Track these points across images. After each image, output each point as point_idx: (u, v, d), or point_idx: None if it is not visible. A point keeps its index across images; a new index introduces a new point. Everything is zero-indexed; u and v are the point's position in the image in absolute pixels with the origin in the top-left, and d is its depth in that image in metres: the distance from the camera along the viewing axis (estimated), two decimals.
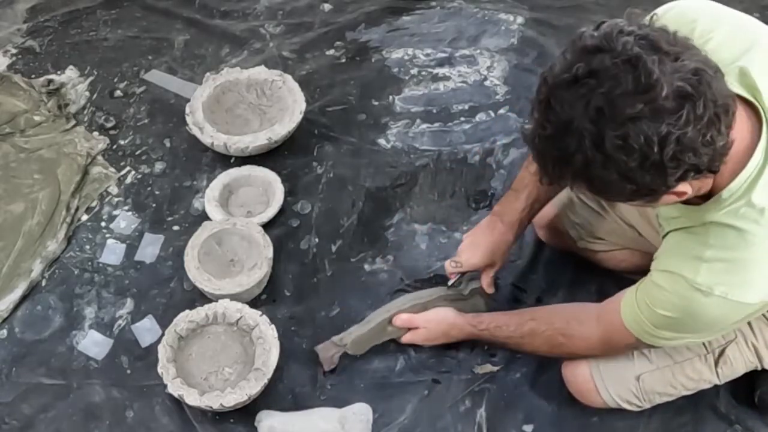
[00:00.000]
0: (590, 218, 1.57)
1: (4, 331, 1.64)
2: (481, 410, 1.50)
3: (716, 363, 1.36)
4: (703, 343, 1.35)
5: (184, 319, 1.54)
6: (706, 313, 1.12)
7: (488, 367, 1.55)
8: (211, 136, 1.85)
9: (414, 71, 2.13)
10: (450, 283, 1.58)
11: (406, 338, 1.54)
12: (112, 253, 1.76)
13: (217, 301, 1.57)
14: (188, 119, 1.89)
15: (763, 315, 1.33)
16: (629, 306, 1.22)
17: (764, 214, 1.06)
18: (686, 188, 1.01)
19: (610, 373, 1.38)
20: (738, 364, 1.36)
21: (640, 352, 1.37)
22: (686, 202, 1.10)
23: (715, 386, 1.48)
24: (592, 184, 1.01)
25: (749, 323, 1.33)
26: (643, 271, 1.47)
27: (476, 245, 1.53)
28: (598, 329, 1.31)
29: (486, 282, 1.55)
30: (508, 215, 1.49)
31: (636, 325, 1.22)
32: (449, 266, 1.55)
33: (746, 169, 1.05)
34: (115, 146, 1.97)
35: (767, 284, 1.10)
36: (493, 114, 2.02)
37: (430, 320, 1.53)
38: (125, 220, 1.82)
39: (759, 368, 1.38)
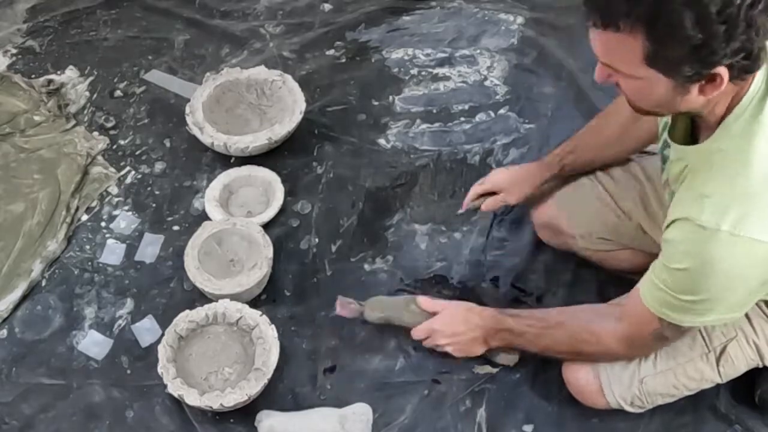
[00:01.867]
0: (592, 216, 1.56)
1: (4, 331, 1.64)
2: (481, 410, 1.50)
3: (717, 361, 1.35)
4: (704, 342, 1.35)
5: (184, 319, 1.54)
6: (720, 256, 1.07)
7: (488, 368, 1.55)
8: (211, 136, 1.85)
9: (414, 71, 2.13)
10: (464, 206, 1.64)
11: (421, 328, 1.48)
12: (112, 253, 1.76)
13: (217, 301, 1.57)
14: (188, 119, 1.89)
15: (763, 312, 1.33)
16: (647, 283, 1.21)
17: None
18: (724, 74, 0.98)
19: (616, 374, 1.38)
20: (739, 362, 1.36)
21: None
22: (694, 138, 1.12)
23: (716, 386, 1.49)
24: (655, 28, 0.96)
25: (749, 320, 1.33)
26: (643, 271, 1.48)
27: (506, 169, 1.63)
28: (622, 323, 1.29)
29: (491, 203, 1.60)
30: (549, 156, 1.60)
31: (656, 300, 1.19)
32: (474, 188, 1.63)
33: (749, 92, 1.05)
34: (115, 146, 1.97)
35: None
36: (493, 114, 2.02)
37: (451, 304, 1.49)
38: (125, 220, 1.82)
39: (760, 365, 1.38)
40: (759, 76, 1.06)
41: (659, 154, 1.31)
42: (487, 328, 1.44)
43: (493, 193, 1.62)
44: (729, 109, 1.07)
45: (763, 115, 1.05)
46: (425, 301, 1.49)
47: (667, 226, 1.14)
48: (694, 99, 1.04)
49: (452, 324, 1.45)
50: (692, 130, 1.18)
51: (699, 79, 1.00)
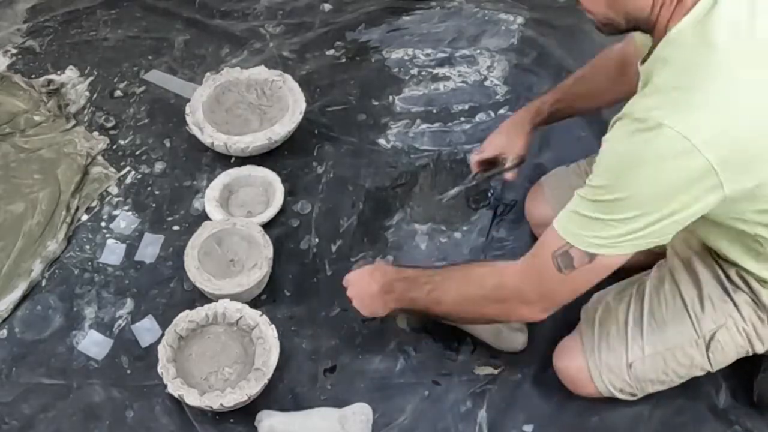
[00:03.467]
0: None
1: (4, 331, 1.64)
2: (481, 411, 1.50)
3: (707, 348, 1.35)
4: (694, 328, 1.34)
5: (184, 319, 1.54)
6: (644, 149, 1.04)
7: (488, 369, 1.55)
8: (211, 136, 1.85)
9: (414, 71, 2.14)
10: (471, 176, 1.68)
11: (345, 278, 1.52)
12: (112, 253, 1.76)
13: (217, 301, 1.57)
14: (188, 119, 1.89)
15: (752, 299, 1.33)
16: (562, 211, 1.18)
17: (715, 48, 1.03)
18: None
19: (604, 361, 1.39)
20: (729, 349, 1.36)
21: (633, 337, 1.37)
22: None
23: (715, 386, 1.49)
24: None
25: (737, 307, 1.33)
26: (639, 268, 1.48)
27: (497, 130, 1.66)
28: (526, 255, 1.24)
29: (508, 173, 1.62)
30: (533, 103, 1.62)
31: (565, 219, 1.15)
32: (473, 155, 1.66)
33: (698, 6, 1.06)
34: (115, 146, 1.97)
35: (714, 126, 1.02)
36: (493, 114, 2.03)
37: (354, 271, 1.52)
38: (125, 220, 1.82)
39: (750, 353, 1.38)
40: None
41: None
42: (386, 280, 1.42)
43: (494, 161, 1.65)
44: (676, 21, 1.08)
45: (708, 26, 1.05)
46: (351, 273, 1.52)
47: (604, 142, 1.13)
48: None
49: (359, 277, 1.48)
50: None
51: None
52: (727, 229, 1.24)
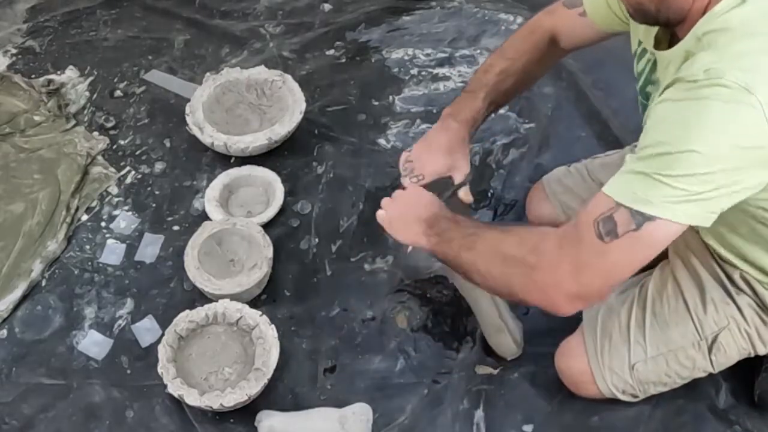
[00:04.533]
0: (571, 197, 1.57)
1: (4, 331, 1.64)
2: (480, 410, 1.50)
3: (710, 350, 1.35)
4: (696, 330, 1.35)
5: (184, 319, 1.54)
6: (707, 103, 0.98)
7: (488, 369, 1.55)
8: (211, 136, 1.85)
9: (414, 71, 2.14)
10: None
11: (384, 199, 1.42)
12: (112, 253, 1.76)
13: (217, 301, 1.57)
14: (188, 119, 1.89)
15: (754, 302, 1.33)
16: (612, 177, 1.08)
17: None
18: None
19: (607, 362, 1.38)
20: (731, 351, 1.36)
21: (635, 339, 1.36)
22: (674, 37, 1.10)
23: (715, 386, 1.49)
24: None
25: (740, 310, 1.33)
26: (641, 269, 1.48)
27: (430, 147, 1.47)
28: (567, 222, 1.12)
29: (461, 192, 1.48)
30: (463, 113, 1.47)
31: (619, 179, 1.05)
32: (403, 170, 1.48)
33: None
34: (115, 146, 1.97)
35: None
36: (492, 114, 2.02)
37: (403, 190, 1.42)
38: (125, 220, 1.82)
39: (752, 355, 1.38)
40: None
41: (640, 98, 1.31)
42: (436, 209, 1.33)
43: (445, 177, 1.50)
44: (708, 10, 1.06)
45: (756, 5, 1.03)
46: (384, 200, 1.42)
47: (659, 104, 1.06)
48: None
49: (409, 194, 1.40)
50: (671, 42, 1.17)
51: None
52: (749, 228, 1.23)
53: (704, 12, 1.07)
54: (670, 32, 1.20)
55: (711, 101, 0.98)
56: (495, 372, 1.55)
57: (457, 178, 1.48)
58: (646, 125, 1.07)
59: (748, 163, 1.00)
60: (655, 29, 1.23)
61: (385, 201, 1.42)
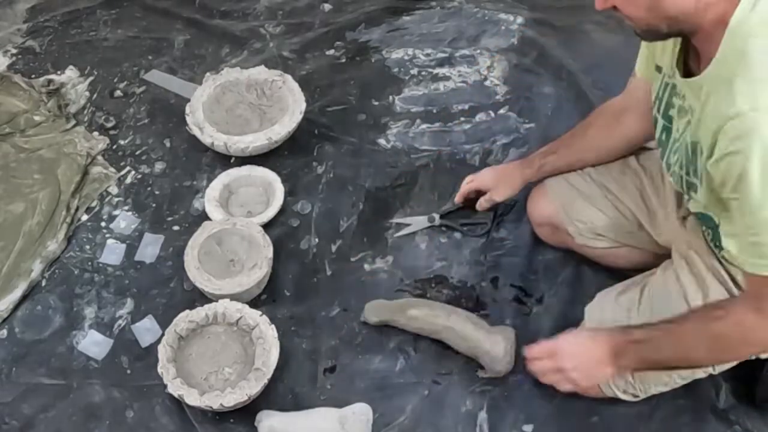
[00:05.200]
0: (589, 212, 1.57)
1: (4, 331, 1.64)
2: (481, 411, 1.50)
3: None
4: None
5: (184, 319, 1.54)
6: None
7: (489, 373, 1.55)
8: (211, 136, 1.85)
9: (414, 71, 2.14)
10: (452, 203, 1.76)
11: (542, 346, 1.37)
12: (112, 253, 1.76)
13: (217, 301, 1.57)
14: (188, 119, 1.89)
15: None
16: (736, 251, 1.14)
17: None
18: None
19: None
20: None
21: None
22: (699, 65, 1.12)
23: (716, 386, 1.49)
24: None
25: None
26: (641, 268, 1.48)
27: (492, 168, 1.71)
28: (744, 294, 1.21)
29: (483, 203, 1.67)
30: (529, 157, 1.67)
31: (752, 254, 1.11)
32: (464, 184, 1.70)
33: None
34: (115, 146, 1.97)
35: None
36: (493, 114, 2.02)
37: (564, 338, 1.35)
38: (125, 220, 1.82)
39: (753, 357, 1.37)
40: None
41: (659, 132, 1.31)
42: (616, 341, 1.29)
43: (480, 192, 1.69)
44: (725, 20, 1.06)
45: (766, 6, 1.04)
46: (533, 350, 1.37)
47: (709, 156, 1.08)
48: None
49: (577, 342, 1.33)
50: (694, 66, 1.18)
51: None
52: None
53: (722, 21, 1.07)
54: (692, 52, 1.18)
55: None
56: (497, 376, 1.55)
57: (495, 198, 1.67)
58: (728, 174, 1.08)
59: None
60: (672, 53, 1.23)
61: (552, 355, 1.35)
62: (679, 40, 1.21)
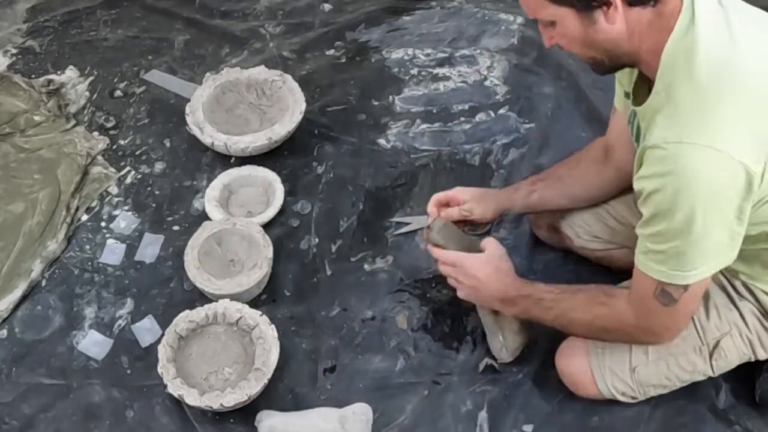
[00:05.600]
0: (588, 217, 1.57)
1: (4, 331, 1.64)
2: (481, 411, 1.50)
3: (711, 355, 1.36)
4: (698, 335, 1.35)
5: (184, 319, 1.54)
6: (689, 167, 1.06)
7: (492, 362, 1.55)
8: (211, 136, 1.85)
9: (414, 71, 2.14)
10: (428, 221, 1.52)
11: (451, 256, 1.44)
12: (112, 253, 1.76)
13: (217, 301, 1.57)
14: (188, 119, 1.89)
15: (756, 308, 1.34)
16: (638, 248, 1.20)
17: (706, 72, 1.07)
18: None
19: (608, 364, 1.39)
20: (732, 356, 1.37)
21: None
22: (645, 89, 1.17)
23: (715, 386, 1.49)
24: None
25: (742, 316, 1.34)
26: None
27: (471, 188, 1.58)
28: (630, 290, 1.27)
29: (451, 212, 1.53)
30: (517, 183, 1.62)
31: (646, 259, 1.18)
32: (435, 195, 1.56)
33: (678, 22, 1.09)
34: (115, 146, 1.97)
35: (741, 133, 1.06)
36: (493, 114, 2.02)
37: (496, 253, 1.43)
38: (125, 220, 1.82)
39: (752, 360, 1.38)
40: (685, 4, 1.10)
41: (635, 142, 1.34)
42: (508, 291, 1.39)
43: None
44: (659, 50, 1.11)
45: (695, 36, 1.09)
46: (445, 254, 1.44)
47: (637, 171, 1.15)
48: (608, 30, 1.11)
49: (481, 269, 1.41)
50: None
51: (596, 5, 1.09)
52: (746, 251, 1.25)
53: (656, 52, 1.11)
54: (645, 84, 1.23)
55: (685, 166, 1.07)
56: (496, 365, 1.54)
57: (471, 211, 1.55)
58: (638, 196, 1.16)
59: (737, 205, 1.10)
60: (630, 82, 1.29)
61: (455, 271, 1.43)
62: (636, 72, 1.26)
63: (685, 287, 1.17)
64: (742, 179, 1.07)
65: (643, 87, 1.23)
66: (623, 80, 1.35)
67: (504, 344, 1.50)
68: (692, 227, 1.10)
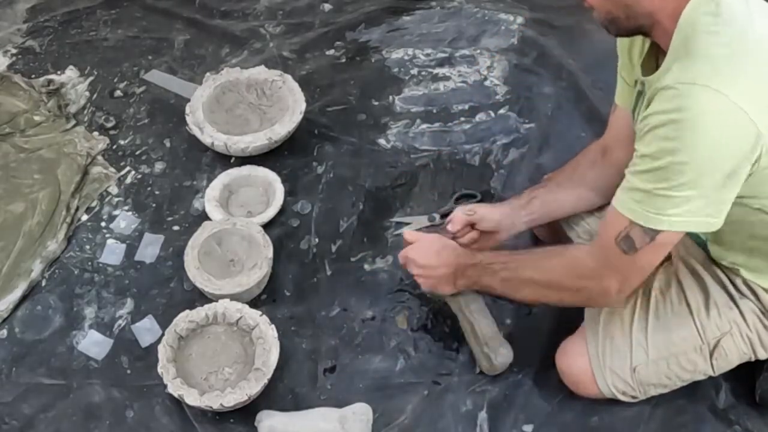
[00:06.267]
0: (587, 216, 1.57)
1: (4, 331, 1.64)
2: (481, 411, 1.50)
3: (711, 354, 1.36)
4: (699, 335, 1.35)
5: (184, 319, 1.54)
6: (699, 108, 1.04)
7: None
8: (211, 136, 1.85)
9: (414, 71, 2.14)
10: (452, 203, 1.65)
11: (401, 254, 1.49)
12: (112, 253, 1.76)
13: (217, 301, 1.57)
14: (188, 119, 1.89)
15: (756, 306, 1.34)
16: (619, 189, 1.18)
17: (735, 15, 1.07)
18: None
19: (608, 363, 1.39)
20: (732, 355, 1.36)
21: (637, 341, 1.37)
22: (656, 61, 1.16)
23: (715, 386, 1.49)
24: None
25: (743, 315, 1.34)
26: None
27: (491, 210, 1.57)
28: (593, 238, 1.27)
29: (468, 238, 1.54)
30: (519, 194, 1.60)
31: (626, 196, 1.16)
32: (462, 215, 1.54)
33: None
34: (115, 146, 1.97)
35: (758, 88, 1.05)
36: (493, 114, 2.02)
37: (428, 236, 1.49)
38: (125, 220, 1.82)
39: (753, 359, 1.38)
40: None
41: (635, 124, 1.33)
42: (458, 264, 1.42)
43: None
44: (678, 15, 1.10)
45: (718, 3, 1.08)
46: (408, 233, 1.51)
47: (643, 119, 1.13)
48: None
49: (426, 255, 1.45)
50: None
51: None
52: (745, 239, 1.25)
53: (676, 16, 1.11)
54: (654, 55, 1.22)
55: (692, 108, 1.05)
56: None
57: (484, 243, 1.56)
58: (638, 132, 1.14)
59: (738, 161, 1.08)
60: (640, 55, 1.27)
61: (405, 260, 1.48)
62: (647, 44, 1.25)
63: (651, 237, 1.14)
64: (749, 136, 1.05)
65: (653, 59, 1.23)
66: (633, 52, 1.33)
67: (487, 356, 1.49)
68: (685, 170, 1.07)
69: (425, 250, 1.46)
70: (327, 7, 2.33)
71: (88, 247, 1.78)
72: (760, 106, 1.05)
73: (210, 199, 1.79)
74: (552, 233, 1.66)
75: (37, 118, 2.01)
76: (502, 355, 1.49)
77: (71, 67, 2.16)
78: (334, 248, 1.76)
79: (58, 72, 2.14)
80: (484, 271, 1.40)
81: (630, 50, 1.33)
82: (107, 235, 1.80)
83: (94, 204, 1.86)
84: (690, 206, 1.10)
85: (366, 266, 1.73)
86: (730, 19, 1.08)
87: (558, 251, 1.33)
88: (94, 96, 2.09)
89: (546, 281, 1.33)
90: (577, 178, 1.54)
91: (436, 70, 2.14)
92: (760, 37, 1.08)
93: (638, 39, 1.28)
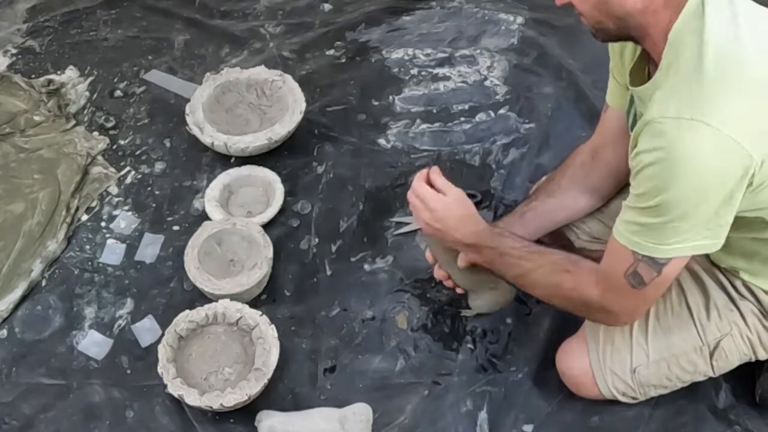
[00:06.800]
0: (587, 219, 1.57)
1: (4, 331, 1.64)
2: (481, 411, 1.50)
3: (711, 356, 1.36)
4: (699, 336, 1.35)
5: (184, 319, 1.54)
6: (686, 144, 1.04)
7: (470, 312, 1.55)
8: (211, 136, 1.85)
9: (414, 71, 2.14)
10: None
11: (419, 190, 1.37)
12: (112, 253, 1.76)
13: (217, 301, 1.57)
14: (188, 119, 1.89)
15: (756, 308, 1.34)
16: (619, 219, 1.18)
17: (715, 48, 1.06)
18: None
19: (609, 365, 1.39)
20: (733, 356, 1.37)
21: (637, 342, 1.37)
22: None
23: (715, 386, 1.49)
24: None
25: (743, 316, 1.34)
26: None
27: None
28: (601, 265, 1.25)
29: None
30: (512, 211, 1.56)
31: (627, 231, 1.15)
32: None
33: (688, 3, 1.09)
34: (115, 146, 1.97)
35: (743, 107, 1.04)
36: (493, 114, 2.02)
37: (460, 195, 1.37)
38: (125, 220, 1.82)
39: (753, 360, 1.39)
40: None
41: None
42: (476, 240, 1.35)
43: None
44: (669, 30, 1.10)
45: (704, 20, 1.08)
46: (440, 180, 1.38)
47: (633, 149, 1.13)
48: (624, 1, 1.09)
49: (448, 214, 1.35)
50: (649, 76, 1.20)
51: None
52: (745, 242, 1.25)
53: (666, 30, 1.10)
54: (645, 62, 1.22)
55: (679, 144, 1.05)
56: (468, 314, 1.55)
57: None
58: (632, 169, 1.14)
59: (729, 189, 1.08)
60: (631, 62, 1.27)
61: (423, 208, 1.37)
62: (638, 51, 1.24)
63: (658, 270, 1.15)
64: (739, 162, 1.05)
65: (642, 68, 1.22)
66: (624, 56, 1.32)
67: (480, 296, 1.48)
68: (679, 205, 1.08)
69: (450, 210, 1.35)
70: (327, 7, 2.33)
71: (88, 247, 1.78)
72: (747, 127, 1.04)
73: (210, 199, 1.79)
74: (552, 235, 1.65)
75: (37, 118, 2.01)
76: (476, 306, 1.48)
77: (71, 67, 2.16)
78: (334, 248, 1.76)
79: (58, 72, 2.14)
80: (499, 259, 1.34)
81: (622, 53, 1.33)
82: (107, 235, 1.80)
83: (94, 204, 1.86)
84: (689, 234, 1.11)
85: (366, 266, 1.73)
86: (714, 43, 1.06)
87: (569, 268, 1.28)
88: (94, 96, 2.09)
89: (556, 294, 1.32)
90: (567, 183, 1.52)
91: (436, 70, 2.13)
92: (747, 55, 1.07)
93: (629, 44, 1.27)
